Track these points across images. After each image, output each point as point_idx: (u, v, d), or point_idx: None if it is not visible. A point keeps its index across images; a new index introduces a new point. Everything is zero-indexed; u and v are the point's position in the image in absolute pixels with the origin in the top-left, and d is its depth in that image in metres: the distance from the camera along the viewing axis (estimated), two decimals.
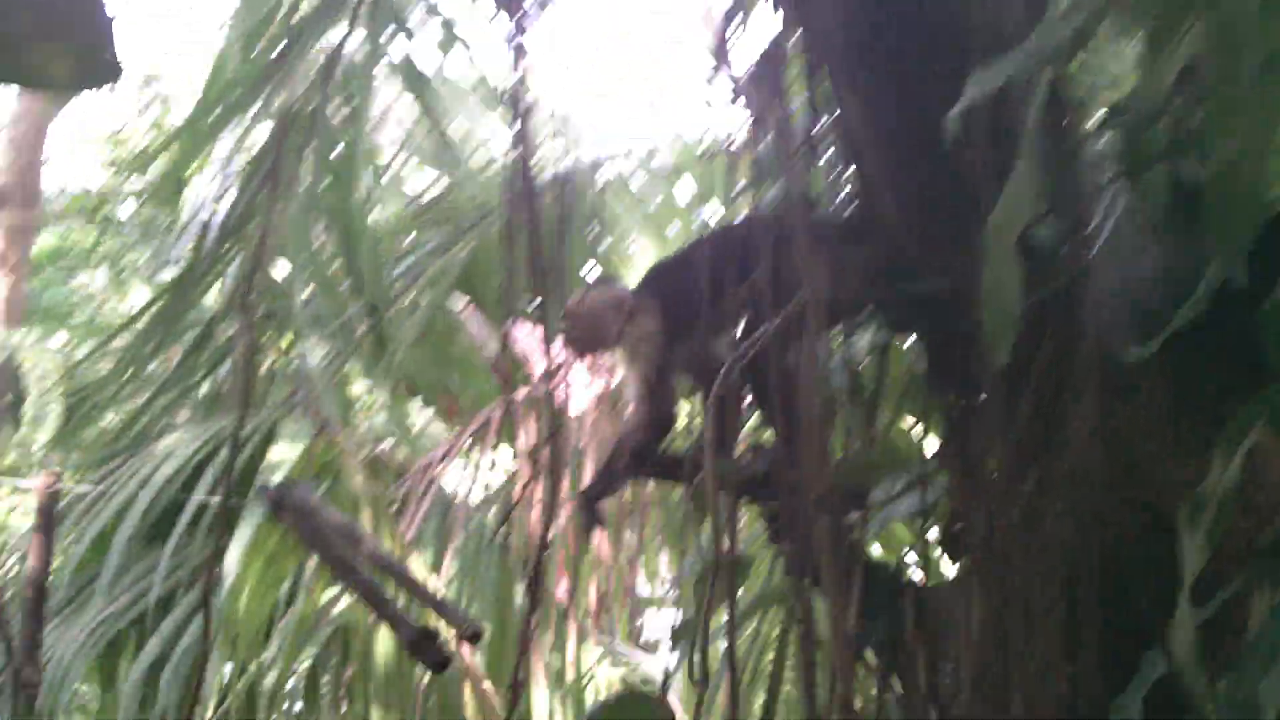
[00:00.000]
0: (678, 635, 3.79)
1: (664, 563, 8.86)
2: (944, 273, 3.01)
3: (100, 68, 2.24)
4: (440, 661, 3.20)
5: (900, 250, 3.17)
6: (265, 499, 3.49)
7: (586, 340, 3.92)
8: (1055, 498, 2.96)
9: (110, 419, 9.57)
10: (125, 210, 13.50)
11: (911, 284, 3.12)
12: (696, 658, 3.07)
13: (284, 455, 6.27)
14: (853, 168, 3.27)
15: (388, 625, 3.28)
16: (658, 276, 3.99)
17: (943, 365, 3.32)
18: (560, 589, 7.07)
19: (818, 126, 3.18)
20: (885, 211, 3.15)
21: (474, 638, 3.22)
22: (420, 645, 3.19)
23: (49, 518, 4.33)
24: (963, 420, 3.31)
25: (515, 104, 3.01)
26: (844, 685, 2.61)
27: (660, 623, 10.23)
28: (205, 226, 7.01)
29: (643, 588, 8.82)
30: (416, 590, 3.36)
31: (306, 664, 6.55)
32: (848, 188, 3.33)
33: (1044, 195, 2.82)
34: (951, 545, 3.65)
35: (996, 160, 2.78)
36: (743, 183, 3.42)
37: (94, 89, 2.35)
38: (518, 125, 3.02)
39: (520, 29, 3.11)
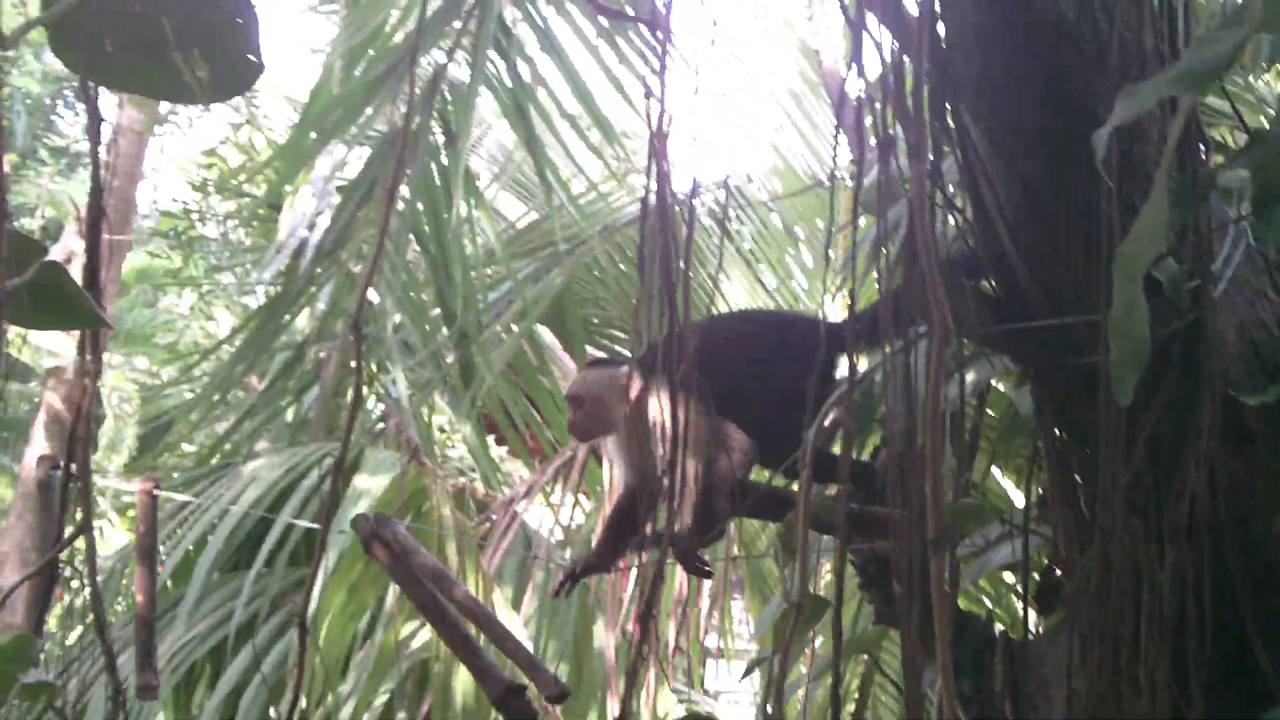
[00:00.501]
0: (752, 667, 3.69)
1: (737, 609, 8.78)
2: (1064, 309, 2.94)
3: (241, 73, 2.19)
4: (528, 718, 3.17)
5: (1019, 285, 3.11)
6: (358, 530, 3.43)
7: (592, 423, 3.78)
8: (1165, 548, 2.87)
9: (191, 444, 9.62)
10: (213, 230, 13.56)
11: (1031, 320, 3.05)
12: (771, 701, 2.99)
13: (368, 485, 6.25)
14: (969, 200, 3.20)
15: (474, 676, 3.24)
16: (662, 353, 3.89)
17: (1054, 406, 3.24)
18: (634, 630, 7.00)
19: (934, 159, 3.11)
20: (1005, 246, 3.08)
21: (559, 699, 3.18)
22: (507, 700, 3.18)
23: (152, 510, 4.33)
24: (1070, 464, 3.23)
25: (653, 131, 2.94)
26: None
27: (726, 674, 10.12)
28: (301, 247, 7.03)
29: (707, 639, 8.73)
30: (505, 643, 3.31)
31: (384, 699, 6.52)
32: (963, 221, 3.26)
33: (1172, 229, 2.76)
34: (1045, 597, 3.56)
35: (1124, 195, 2.72)
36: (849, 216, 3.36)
37: (232, 96, 2.29)
38: (654, 152, 2.94)
39: (662, 53, 3.06)
